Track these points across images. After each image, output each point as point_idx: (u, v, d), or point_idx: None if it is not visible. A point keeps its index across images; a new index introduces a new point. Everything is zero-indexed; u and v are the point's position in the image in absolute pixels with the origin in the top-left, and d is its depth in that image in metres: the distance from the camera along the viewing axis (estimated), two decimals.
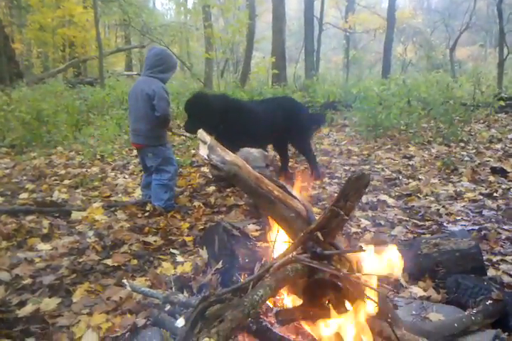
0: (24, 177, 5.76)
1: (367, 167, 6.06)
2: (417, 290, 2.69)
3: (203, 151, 1.91)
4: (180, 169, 6.12)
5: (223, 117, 4.66)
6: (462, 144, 7.27)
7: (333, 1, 24.20)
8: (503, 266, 3.00)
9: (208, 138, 1.94)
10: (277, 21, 14.72)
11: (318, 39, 17.49)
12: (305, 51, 15.74)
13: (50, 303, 2.62)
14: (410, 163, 6.27)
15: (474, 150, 6.81)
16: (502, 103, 9.28)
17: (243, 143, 4.91)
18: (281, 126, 5.17)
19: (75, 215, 4.18)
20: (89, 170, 6.17)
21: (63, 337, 2.32)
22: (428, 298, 2.59)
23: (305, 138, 5.51)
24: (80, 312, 2.55)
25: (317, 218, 1.98)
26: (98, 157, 6.94)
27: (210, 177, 5.51)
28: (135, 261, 3.27)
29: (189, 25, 18.82)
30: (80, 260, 3.26)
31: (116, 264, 3.20)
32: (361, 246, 1.84)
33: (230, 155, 1.95)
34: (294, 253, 1.96)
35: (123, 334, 2.29)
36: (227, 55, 17.42)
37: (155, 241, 3.63)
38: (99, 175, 5.83)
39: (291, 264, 1.89)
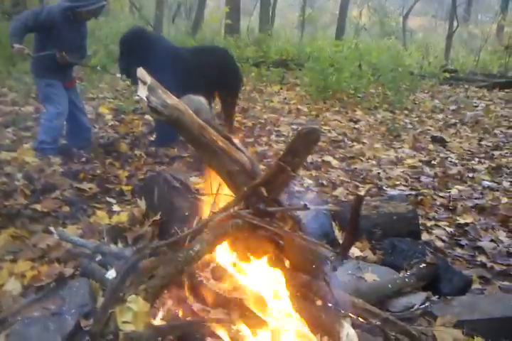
0: None
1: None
2: (353, 250, 2.71)
3: (142, 92, 1.72)
4: (123, 115, 5.81)
5: (164, 61, 4.20)
6: (406, 112, 7.43)
7: None
8: (436, 231, 3.12)
9: (148, 78, 1.74)
10: None
11: None
12: (261, 4, 15.19)
13: None
14: (356, 126, 6.32)
15: (417, 119, 6.99)
16: (447, 75, 9.52)
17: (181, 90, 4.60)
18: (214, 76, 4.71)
19: (4, 155, 3.87)
20: (22, 108, 5.70)
21: None
22: (364, 259, 2.64)
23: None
24: (2, 259, 2.37)
25: (262, 173, 1.88)
26: (33, 95, 6.41)
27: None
28: (67, 208, 3.08)
29: None
30: (6, 203, 3.01)
31: (45, 210, 2.99)
32: (306, 204, 1.77)
33: (172, 99, 1.77)
34: (236, 208, 1.88)
35: (48, 283, 2.15)
36: None
37: (90, 189, 3.43)
38: (34, 115, 5.40)
39: (231, 220, 1.81)
